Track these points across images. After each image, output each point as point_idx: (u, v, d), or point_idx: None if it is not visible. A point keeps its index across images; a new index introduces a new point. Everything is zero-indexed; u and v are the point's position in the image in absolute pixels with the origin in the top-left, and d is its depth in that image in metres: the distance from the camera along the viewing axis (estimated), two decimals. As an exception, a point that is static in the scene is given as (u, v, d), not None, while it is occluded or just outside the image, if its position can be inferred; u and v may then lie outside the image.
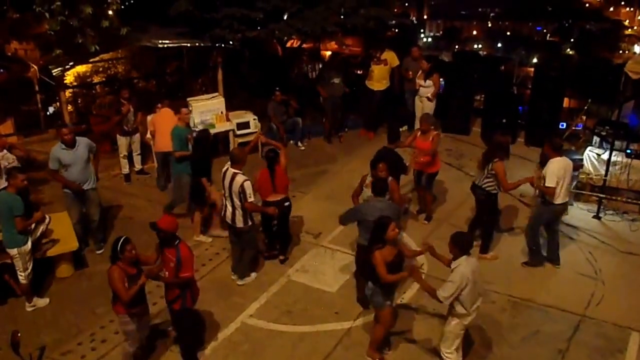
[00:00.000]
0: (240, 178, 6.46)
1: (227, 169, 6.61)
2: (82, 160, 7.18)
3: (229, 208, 6.65)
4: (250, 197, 6.47)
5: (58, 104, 10.41)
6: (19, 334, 5.31)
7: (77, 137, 7.20)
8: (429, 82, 10.43)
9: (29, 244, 6.42)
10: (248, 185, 6.45)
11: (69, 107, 10.75)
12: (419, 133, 8.03)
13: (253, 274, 7.15)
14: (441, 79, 10.84)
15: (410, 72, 10.75)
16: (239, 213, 6.60)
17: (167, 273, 5.38)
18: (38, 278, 6.73)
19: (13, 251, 6.32)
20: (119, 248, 5.12)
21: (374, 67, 10.99)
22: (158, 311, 6.34)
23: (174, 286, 5.43)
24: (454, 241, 5.17)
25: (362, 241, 6.21)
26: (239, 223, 6.66)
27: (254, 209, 6.70)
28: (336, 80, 10.72)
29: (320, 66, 13.17)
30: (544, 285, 6.99)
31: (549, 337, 6.17)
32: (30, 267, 6.46)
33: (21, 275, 6.43)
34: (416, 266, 5.32)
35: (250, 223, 6.73)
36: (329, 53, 14.64)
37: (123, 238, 5.18)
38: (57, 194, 7.77)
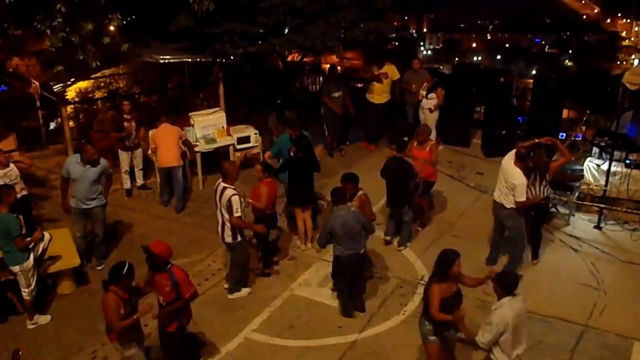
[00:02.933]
0: (229, 192, 6.43)
1: (219, 183, 6.62)
2: (89, 180, 7.18)
3: (219, 222, 6.63)
4: (236, 212, 6.41)
5: (59, 119, 10.46)
6: (20, 352, 5.29)
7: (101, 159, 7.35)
8: (432, 95, 10.48)
9: (31, 260, 6.41)
10: (236, 200, 6.40)
11: (71, 123, 10.78)
12: (415, 143, 8.11)
13: (245, 289, 7.08)
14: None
15: (414, 85, 10.79)
16: (227, 227, 6.55)
17: (161, 298, 5.32)
18: (40, 295, 6.70)
19: (15, 268, 6.31)
20: (124, 273, 5.01)
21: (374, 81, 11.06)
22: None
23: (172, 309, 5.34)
24: (499, 280, 4.82)
25: (337, 252, 6.41)
26: (227, 238, 6.62)
27: (241, 224, 6.63)
28: (336, 94, 10.77)
29: (322, 80, 13.23)
30: (547, 295, 6.98)
31: (552, 347, 6.16)
32: (33, 284, 6.44)
33: (25, 292, 6.41)
34: (462, 314, 4.98)
35: (239, 239, 6.66)
36: (328, 66, 14.72)
37: (128, 264, 5.10)
38: (59, 209, 7.77)
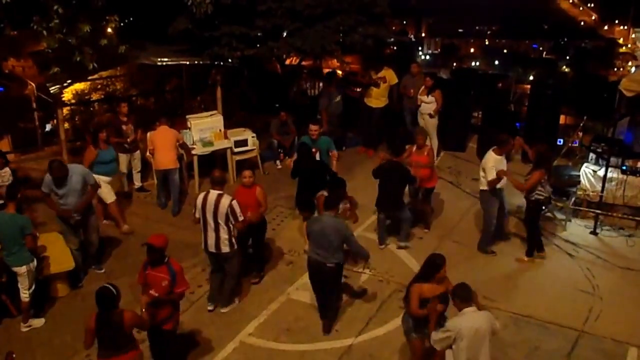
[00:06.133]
0: (226, 199, 6.36)
1: (208, 192, 6.48)
2: (76, 190, 6.93)
3: (212, 234, 6.45)
4: (240, 216, 6.40)
5: (55, 121, 10.43)
6: (14, 355, 5.25)
7: (70, 166, 7.03)
8: (431, 98, 10.45)
9: (35, 260, 6.40)
10: (236, 204, 6.38)
11: (66, 125, 10.75)
12: (414, 148, 8.13)
13: (236, 299, 7.01)
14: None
15: (412, 90, 10.77)
16: (224, 237, 6.43)
17: (157, 294, 5.27)
18: (34, 297, 6.61)
19: (22, 269, 6.26)
20: (116, 293, 4.81)
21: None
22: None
23: (166, 305, 5.32)
24: (452, 294, 4.97)
25: (307, 252, 6.49)
26: (225, 248, 6.48)
27: (243, 226, 6.64)
28: (337, 99, 10.79)
29: (320, 84, 13.24)
30: (544, 301, 6.98)
31: (548, 353, 6.15)
32: (34, 285, 6.41)
33: (25, 293, 6.36)
34: (439, 308, 5.09)
35: (235, 247, 6.58)
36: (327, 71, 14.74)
37: (112, 285, 4.88)
38: (50, 212, 7.70)
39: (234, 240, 6.53)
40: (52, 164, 6.86)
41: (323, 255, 6.21)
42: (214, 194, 6.43)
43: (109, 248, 8.08)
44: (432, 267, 5.28)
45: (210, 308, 6.87)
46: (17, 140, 10.81)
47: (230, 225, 6.45)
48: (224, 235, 6.43)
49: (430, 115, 10.44)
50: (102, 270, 7.55)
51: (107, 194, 8.23)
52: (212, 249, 6.53)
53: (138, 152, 9.45)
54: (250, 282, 7.33)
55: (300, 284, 7.37)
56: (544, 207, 7.81)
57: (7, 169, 7.62)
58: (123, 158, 9.28)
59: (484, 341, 4.81)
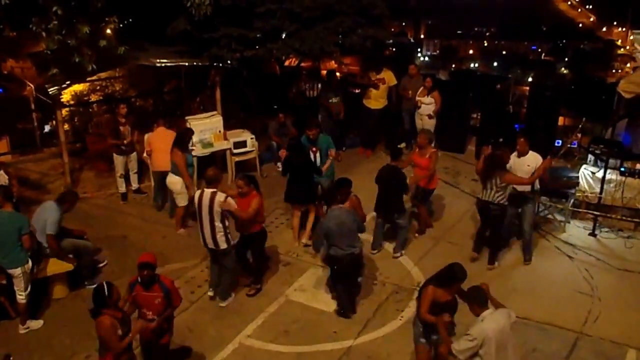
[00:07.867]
0: (220, 196, 6.44)
1: (203, 191, 6.55)
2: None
3: (208, 232, 6.54)
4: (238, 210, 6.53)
5: (54, 122, 10.42)
6: (12, 357, 5.24)
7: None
8: (430, 99, 10.45)
9: (30, 261, 6.38)
10: (231, 200, 6.49)
11: (66, 126, 10.74)
12: (417, 149, 8.12)
13: (232, 294, 7.06)
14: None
15: (410, 91, 10.78)
16: (220, 234, 6.53)
17: (150, 313, 5.27)
18: (32, 299, 6.62)
19: (17, 270, 6.24)
20: (108, 294, 4.75)
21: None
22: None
23: (165, 319, 5.32)
24: (469, 299, 4.89)
25: (333, 252, 6.47)
26: (222, 244, 6.58)
27: (248, 216, 6.69)
28: (334, 100, 10.78)
29: (319, 85, 13.24)
30: (542, 302, 6.98)
31: (546, 355, 6.14)
32: (29, 287, 6.40)
33: (21, 295, 6.35)
34: (446, 319, 5.13)
35: (232, 242, 6.68)
36: (326, 72, 14.73)
37: (107, 284, 4.84)
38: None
39: (229, 236, 6.62)
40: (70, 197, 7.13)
41: (350, 246, 6.42)
42: (208, 192, 6.51)
43: (106, 249, 8.05)
44: (453, 278, 5.17)
45: (210, 294, 7.00)
46: (15, 142, 10.80)
47: (226, 222, 6.54)
48: (220, 232, 6.54)
49: (430, 116, 10.45)
50: (104, 263, 7.61)
51: (182, 197, 8.33)
52: (210, 245, 6.67)
53: (134, 153, 9.43)
54: (246, 294, 7.18)
55: (298, 285, 7.37)
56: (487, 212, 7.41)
57: (2, 174, 7.59)
58: (119, 160, 9.28)
59: (509, 337, 4.80)
